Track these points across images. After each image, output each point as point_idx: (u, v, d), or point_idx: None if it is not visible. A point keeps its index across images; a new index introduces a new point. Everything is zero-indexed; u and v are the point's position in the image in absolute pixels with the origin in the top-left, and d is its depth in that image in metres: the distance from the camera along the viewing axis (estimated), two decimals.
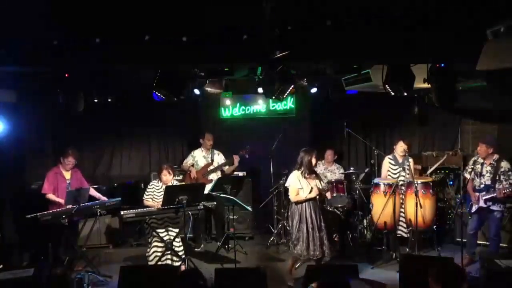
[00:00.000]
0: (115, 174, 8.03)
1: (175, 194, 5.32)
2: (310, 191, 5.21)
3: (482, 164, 5.78)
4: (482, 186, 5.74)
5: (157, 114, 7.66)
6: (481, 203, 5.70)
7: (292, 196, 5.27)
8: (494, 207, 5.66)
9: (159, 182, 5.76)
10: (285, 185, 5.49)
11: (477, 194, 5.74)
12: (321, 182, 5.39)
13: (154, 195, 5.71)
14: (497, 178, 5.65)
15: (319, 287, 2.71)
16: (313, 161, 5.30)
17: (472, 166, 5.88)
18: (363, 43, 4.62)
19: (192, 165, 7.24)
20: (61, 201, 5.84)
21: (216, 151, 7.31)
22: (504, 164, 5.66)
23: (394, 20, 4.47)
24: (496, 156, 5.72)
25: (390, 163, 6.56)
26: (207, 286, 3.09)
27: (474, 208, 5.79)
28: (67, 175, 6.08)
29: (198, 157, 7.25)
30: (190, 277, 3.14)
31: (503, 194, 5.53)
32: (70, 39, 4.42)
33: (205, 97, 7.02)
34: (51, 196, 5.91)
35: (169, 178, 5.71)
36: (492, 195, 5.60)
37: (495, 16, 4.20)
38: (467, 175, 5.96)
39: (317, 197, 5.31)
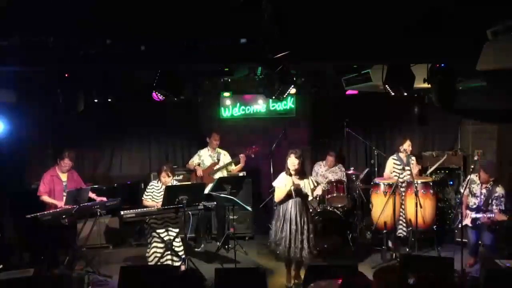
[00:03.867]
0: (115, 174, 8.02)
1: (175, 194, 5.32)
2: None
3: (478, 185, 5.80)
4: (474, 206, 5.76)
5: (157, 114, 7.65)
6: (468, 221, 5.73)
7: (276, 196, 5.26)
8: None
9: (159, 182, 5.76)
10: (273, 184, 5.43)
11: (468, 212, 5.77)
12: (311, 183, 5.24)
13: (153, 195, 5.71)
14: (490, 202, 5.65)
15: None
16: (290, 160, 5.12)
17: (468, 186, 5.87)
18: (363, 43, 4.62)
19: (198, 164, 7.26)
20: (56, 202, 5.82)
21: (222, 151, 7.34)
22: (499, 190, 5.66)
23: (394, 20, 4.47)
24: (492, 180, 5.71)
25: (394, 163, 6.56)
26: (207, 286, 3.10)
27: (464, 222, 5.76)
28: (64, 177, 6.05)
29: (204, 157, 7.28)
30: (190, 277, 3.14)
31: (487, 220, 5.54)
32: (70, 39, 4.42)
33: (205, 97, 7.02)
34: (45, 198, 5.88)
35: (168, 180, 5.71)
36: (479, 216, 5.61)
37: (495, 16, 4.20)
38: (461, 190, 5.99)
39: (304, 198, 5.20)
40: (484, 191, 5.74)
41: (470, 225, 5.73)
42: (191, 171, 7.33)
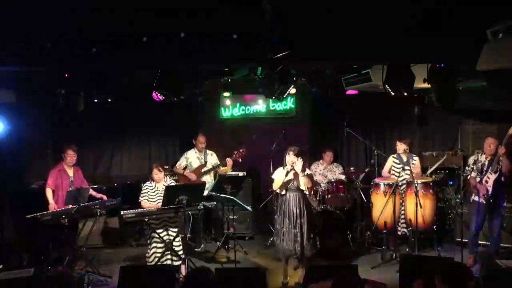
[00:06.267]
0: (115, 174, 8.03)
1: (175, 194, 5.32)
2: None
3: (483, 164, 5.80)
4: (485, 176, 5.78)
5: (157, 114, 7.65)
6: (490, 189, 5.68)
7: (274, 185, 5.40)
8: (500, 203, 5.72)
9: (152, 182, 5.75)
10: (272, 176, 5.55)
11: (484, 185, 5.73)
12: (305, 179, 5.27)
13: (148, 196, 5.70)
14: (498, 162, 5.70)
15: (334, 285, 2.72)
16: (288, 158, 5.21)
17: (473, 166, 5.88)
18: (363, 43, 4.63)
19: (185, 167, 7.20)
20: (52, 204, 5.84)
21: (209, 152, 7.26)
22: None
23: (394, 20, 4.47)
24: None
25: (394, 161, 6.57)
26: (215, 283, 3.10)
27: (480, 200, 5.75)
28: (70, 172, 6.12)
29: (192, 158, 7.22)
30: (198, 276, 3.13)
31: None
32: (70, 39, 4.42)
33: (205, 97, 7.02)
34: (48, 193, 5.93)
35: (161, 176, 5.70)
36: (499, 160, 5.61)
37: (495, 16, 4.20)
38: (470, 174, 5.96)
39: (306, 194, 5.32)
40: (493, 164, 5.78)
41: (491, 189, 5.68)
42: (177, 174, 7.25)
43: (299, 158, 5.19)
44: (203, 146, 7.20)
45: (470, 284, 2.76)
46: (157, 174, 5.67)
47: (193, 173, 7.13)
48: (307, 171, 5.38)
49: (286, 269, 5.45)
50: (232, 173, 7.13)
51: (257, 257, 6.57)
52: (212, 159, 7.23)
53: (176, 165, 7.31)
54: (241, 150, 7.10)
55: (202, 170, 7.14)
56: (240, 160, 7.13)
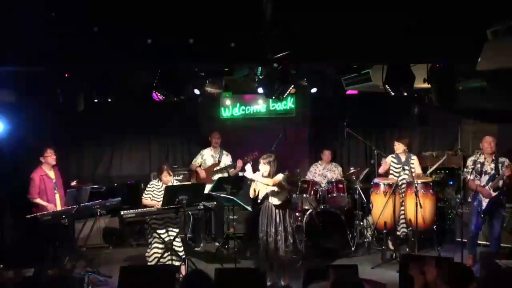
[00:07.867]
0: (115, 174, 8.01)
1: (175, 194, 5.32)
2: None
3: (482, 164, 5.79)
4: (486, 181, 5.76)
5: (157, 114, 7.64)
6: (492, 193, 5.68)
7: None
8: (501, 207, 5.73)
9: (159, 182, 5.76)
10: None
11: (487, 187, 5.73)
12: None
13: (153, 194, 5.69)
14: (500, 168, 5.71)
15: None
16: (261, 167, 5.29)
17: (473, 166, 5.87)
18: (363, 43, 4.62)
19: (200, 165, 7.27)
20: (49, 205, 5.78)
21: (225, 152, 7.34)
22: (502, 160, 5.74)
23: (394, 20, 4.47)
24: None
25: (392, 161, 6.57)
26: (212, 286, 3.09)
27: (484, 204, 5.73)
28: (52, 174, 5.98)
29: (207, 156, 7.30)
30: (194, 278, 3.13)
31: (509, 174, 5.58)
32: (70, 39, 4.42)
33: (205, 97, 7.02)
34: (39, 201, 5.78)
35: (170, 179, 5.71)
36: (500, 180, 5.62)
37: (495, 16, 4.20)
38: (468, 176, 5.94)
39: (281, 201, 5.29)
40: (492, 165, 5.77)
41: (494, 193, 5.67)
42: (191, 171, 7.30)
43: (267, 165, 5.24)
44: (217, 141, 7.28)
45: (472, 286, 2.76)
46: (166, 177, 5.67)
47: (205, 171, 7.17)
48: (277, 177, 5.25)
49: (271, 271, 5.42)
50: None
51: (256, 257, 6.55)
52: (227, 159, 7.29)
53: (192, 162, 7.39)
54: (254, 153, 7.06)
55: (214, 169, 7.19)
56: (251, 163, 7.08)
